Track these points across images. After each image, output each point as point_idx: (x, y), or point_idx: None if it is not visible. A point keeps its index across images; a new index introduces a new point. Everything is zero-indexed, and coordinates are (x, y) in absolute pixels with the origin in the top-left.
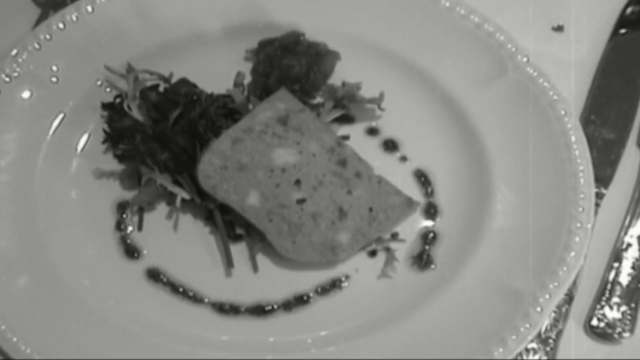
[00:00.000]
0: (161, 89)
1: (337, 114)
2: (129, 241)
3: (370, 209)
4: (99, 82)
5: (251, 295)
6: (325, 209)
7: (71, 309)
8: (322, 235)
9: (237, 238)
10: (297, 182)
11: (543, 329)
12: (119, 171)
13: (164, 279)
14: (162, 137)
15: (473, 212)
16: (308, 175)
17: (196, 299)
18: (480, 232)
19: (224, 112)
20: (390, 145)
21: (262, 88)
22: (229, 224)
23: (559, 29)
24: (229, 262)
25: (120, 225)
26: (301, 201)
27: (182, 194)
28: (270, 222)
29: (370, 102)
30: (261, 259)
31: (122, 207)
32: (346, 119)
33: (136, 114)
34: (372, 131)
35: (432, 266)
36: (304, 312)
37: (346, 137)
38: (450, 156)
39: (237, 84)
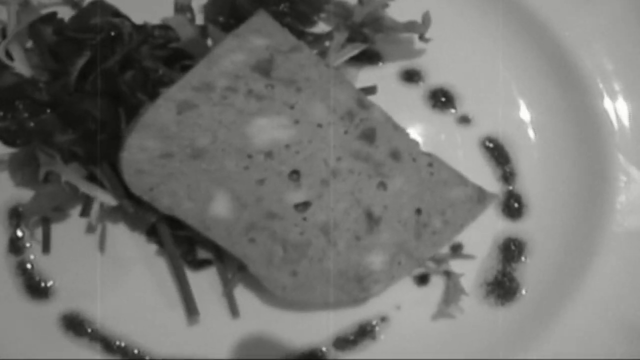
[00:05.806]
0: (64, 19)
1: (354, 51)
2: (30, 268)
3: (418, 211)
4: None
5: (231, 354)
6: (345, 215)
7: None
8: (341, 260)
9: (201, 265)
10: (294, 173)
11: None
12: (7, 158)
13: (89, 330)
14: (62, 104)
15: (579, 206)
16: (311, 160)
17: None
18: (592, 239)
19: (163, 55)
20: (441, 99)
21: (227, 13)
22: (185, 243)
23: None
24: (189, 306)
25: (15, 245)
26: (303, 206)
27: (101, 198)
28: (252, 243)
29: (406, 31)
30: (243, 297)
31: (15, 215)
32: (370, 59)
33: (21, 65)
34: (412, 77)
35: (522, 292)
36: None
37: (371, 90)
38: (540, 114)
39: (183, 6)
